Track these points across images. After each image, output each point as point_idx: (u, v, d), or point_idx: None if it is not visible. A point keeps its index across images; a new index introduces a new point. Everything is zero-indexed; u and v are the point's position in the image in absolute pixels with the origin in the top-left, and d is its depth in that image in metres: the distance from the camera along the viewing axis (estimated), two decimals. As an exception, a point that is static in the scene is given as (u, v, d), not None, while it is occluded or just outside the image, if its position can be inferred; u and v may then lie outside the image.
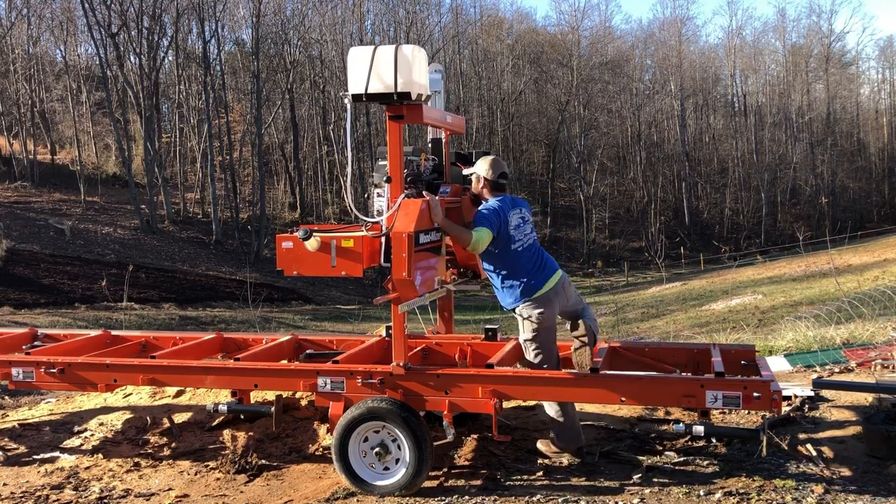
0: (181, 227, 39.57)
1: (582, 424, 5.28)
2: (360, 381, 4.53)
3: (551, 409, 4.74)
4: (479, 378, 4.45)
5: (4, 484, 5.03)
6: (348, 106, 4.46)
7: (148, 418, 5.82)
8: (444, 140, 5.13)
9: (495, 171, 4.71)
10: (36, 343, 6.02)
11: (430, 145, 5.18)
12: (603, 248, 51.24)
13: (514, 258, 4.63)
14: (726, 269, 38.17)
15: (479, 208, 4.70)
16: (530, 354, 4.70)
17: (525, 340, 4.70)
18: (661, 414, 5.47)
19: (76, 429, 5.91)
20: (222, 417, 5.55)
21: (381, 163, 4.68)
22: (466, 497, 4.31)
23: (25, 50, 44.28)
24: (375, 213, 4.61)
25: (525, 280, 4.61)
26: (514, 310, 4.68)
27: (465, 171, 4.89)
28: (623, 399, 4.32)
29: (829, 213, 54.04)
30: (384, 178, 4.44)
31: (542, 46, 60.53)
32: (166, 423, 5.69)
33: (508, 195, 4.81)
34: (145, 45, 40.03)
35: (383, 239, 4.38)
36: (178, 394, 6.20)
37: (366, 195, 4.81)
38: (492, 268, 4.71)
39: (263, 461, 5.08)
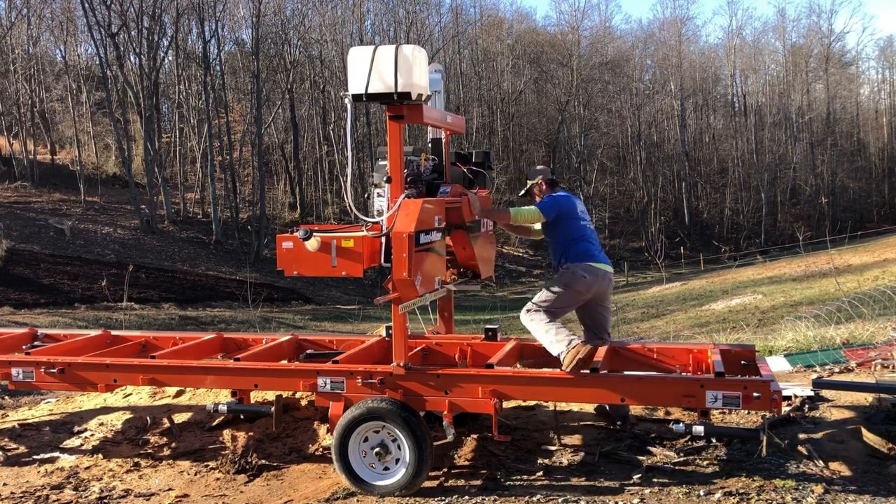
0: (181, 227, 39.56)
1: (582, 424, 5.29)
2: (360, 381, 4.53)
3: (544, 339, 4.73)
4: (479, 378, 4.45)
5: (4, 484, 5.03)
6: (349, 106, 4.46)
7: (148, 418, 5.81)
8: (444, 140, 5.14)
9: (547, 173, 5.34)
10: (36, 343, 6.02)
11: (429, 145, 5.18)
12: (603, 248, 51.15)
13: (582, 231, 5.08)
14: (726, 269, 38.14)
15: (551, 198, 5.16)
16: (542, 296, 4.87)
17: (550, 287, 4.90)
18: (661, 414, 5.47)
19: (76, 429, 5.90)
20: (222, 417, 5.54)
21: (381, 163, 4.69)
22: (466, 497, 4.31)
23: (25, 50, 44.26)
24: (375, 212, 4.62)
25: (587, 249, 5.01)
26: (562, 265, 4.97)
27: (527, 188, 5.35)
28: (623, 399, 4.32)
29: (829, 213, 54.02)
30: (384, 178, 4.45)
31: (542, 46, 60.50)
32: (166, 423, 5.69)
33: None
34: (145, 45, 40.01)
35: (384, 239, 4.39)
36: (178, 394, 6.20)
37: (366, 195, 4.82)
38: (558, 235, 5.06)
39: (263, 461, 5.08)
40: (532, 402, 5.60)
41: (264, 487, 4.76)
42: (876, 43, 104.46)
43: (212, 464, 5.13)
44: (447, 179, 5.05)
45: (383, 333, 5.37)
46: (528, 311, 4.87)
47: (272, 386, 5.01)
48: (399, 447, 4.38)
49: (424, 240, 4.36)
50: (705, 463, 4.64)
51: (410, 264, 4.17)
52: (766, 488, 4.19)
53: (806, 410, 5.32)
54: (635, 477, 4.46)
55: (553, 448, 4.97)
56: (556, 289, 4.88)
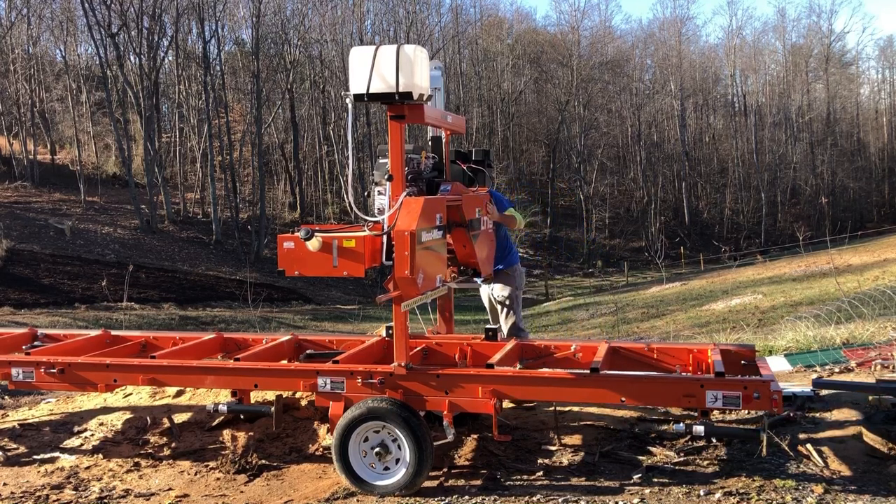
0: (181, 227, 39.57)
1: (582, 424, 5.29)
2: (360, 381, 4.53)
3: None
4: (479, 378, 4.45)
5: (4, 484, 5.03)
6: (350, 106, 4.45)
7: (148, 418, 5.81)
8: (444, 138, 5.14)
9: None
10: (36, 343, 6.01)
11: (429, 143, 5.18)
12: (603, 248, 51.23)
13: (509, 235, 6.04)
14: (726, 269, 38.16)
15: (499, 197, 5.71)
16: (515, 298, 5.88)
17: (517, 291, 5.91)
18: (661, 414, 5.47)
19: (76, 429, 5.90)
20: (222, 417, 5.54)
21: (381, 161, 4.68)
22: (466, 497, 4.31)
23: (25, 50, 44.25)
24: (376, 211, 4.62)
25: (516, 252, 6.08)
26: (509, 266, 5.88)
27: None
28: (623, 399, 4.32)
29: (829, 213, 54.04)
30: (385, 177, 4.44)
31: (542, 46, 60.54)
32: (166, 423, 5.69)
33: None
34: (145, 45, 40.02)
35: (385, 237, 4.38)
36: (178, 394, 6.20)
37: (366, 193, 4.81)
38: (500, 232, 5.80)
39: (263, 461, 5.08)
40: (532, 402, 5.60)
41: (264, 487, 4.76)
42: (876, 43, 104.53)
43: (212, 464, 5.13)
44: (447, 178, 5.06)
45: (383, 333, 5.37)
46: (515, 316, 5.89)
47: (272, 386, 5.01)
48: (399, 447, 4.38)
49: (426, 238, 4.36)
50: (705, 463, 4.64)
51: (412, 262, 4.17)
52: (767, 488, 4.19)
53: (806, 410, 5.32)
54: (635, 477, 4.46)
55: (553, 448, 4.97)
56: (519, 292, 5.95)
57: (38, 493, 4.84)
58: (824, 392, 5.62)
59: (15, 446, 5.70)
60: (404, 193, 4.38)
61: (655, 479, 4.41)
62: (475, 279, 5.35)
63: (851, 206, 61.26)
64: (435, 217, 4.49)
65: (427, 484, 4.47)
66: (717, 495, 4.12)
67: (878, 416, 4.78)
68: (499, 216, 5.51)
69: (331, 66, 47.01)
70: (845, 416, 5.17)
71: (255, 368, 4.87)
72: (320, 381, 4.61)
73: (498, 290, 5.91)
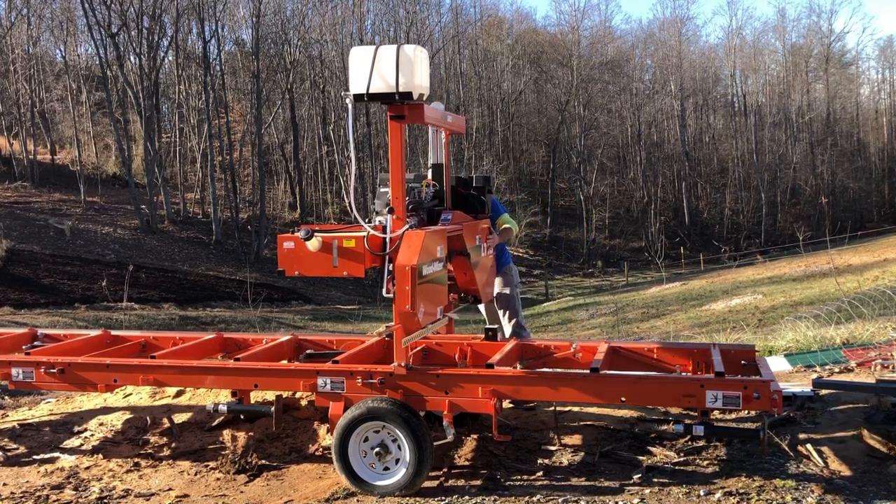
0: (181, 227, 39.55)
1: (582, 424, 5.29)
2: (360, 381, 4.53)
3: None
4: (479, 378, 4.45)
5: (4, 484, 5.03)
6: (350, 106, 4.45)
7: (148, 418, 5.81)
8: (444, 164, 5.12)
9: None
10: (36, 343, 6.01)
11: (430, 170, 5.17)
12: (603, 248, 51.22)
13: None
14: (726, 269, 38.16)
15: (494, 201, 5.74)
16: (516, 296, 6.01)
17: (515, 288, 6.05)
18: (661, 414, 5.47)
19: (76, 429, 5.91)
20: (222, 417, 5.55)
21: (382, 190, 4.68)
22: (466, 497, 4.31)
23: (25, 50, 44.22)
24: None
25: (508, 253, 6.22)
26: (505, 266, 6.02)
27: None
28: (623, 399, 4.32)
29: (829, 213, 54.02)
30: (386, 209, 4.44)
31: (542, 46, 60.54)
32: (166, 423, 5.69)
33: None
34: (145, 45, 39.99)
35: (387, 264, 4.37)
36: (178, 394, 6.20)
37: (367, 220, 4.78)
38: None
39: (263, 461, 5.09)
40: (532, 402, 5.60)
41: (264, 487, 4.76)
42: (876, 43, 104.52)
43: (212, 464, 5.13)
44: (448, 205, 5.04)
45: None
46: (517, 315, 5.93)
47: (272, 386, 5.01)
48: (399, 447, 4.38)
49: (427, 271, 4.35)
50: (705, 463, 4.64)
51: (413, 297, 4.16)
52: (767, 488, 4.19)
53: (806, 410, 5.32)
54: (635, 477, 4.46)
55: (553, 448, 4.98)
56: (517, 290, 6.07)
57: (38, 493, 4.84)
58: (824, 392, 5.62)
59: (15, 446, 5.70)
60: (406, 226, 4.37)
61: (655, 479, 4.41)
62: (475, 307, 5.48)
63: (851, 206, 61.25)
64: (436, 250, 4.48)
65: (427, 484, 4.47)
66: (717, 495, 4.12)
67: (878, 416, 4.78)
68: (499, 238, 5.62)
69: (331, 66, 46.99)
70: (845, 416, 5.17)
71: (255, 368, 4.87)
72: (320, 381, 4.61)
73: (497, 291, 5.92)
